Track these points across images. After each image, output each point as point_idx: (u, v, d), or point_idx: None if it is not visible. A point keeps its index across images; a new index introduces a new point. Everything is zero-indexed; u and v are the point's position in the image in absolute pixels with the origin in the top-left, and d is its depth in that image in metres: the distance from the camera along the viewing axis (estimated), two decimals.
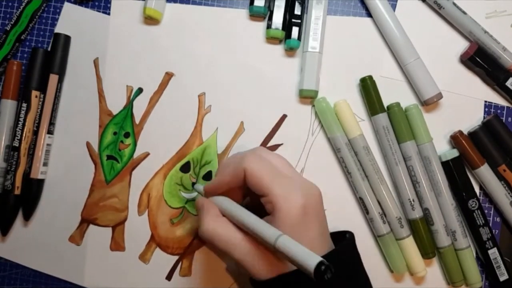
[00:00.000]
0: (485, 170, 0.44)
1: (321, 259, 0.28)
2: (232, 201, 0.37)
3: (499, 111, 0.47)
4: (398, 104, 0.44)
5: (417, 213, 0.44)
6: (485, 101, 0.46)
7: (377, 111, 0.44)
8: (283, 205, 0.34)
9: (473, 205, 0.44)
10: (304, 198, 0.34)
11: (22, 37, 0.44)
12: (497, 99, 0.47)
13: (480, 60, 0.45)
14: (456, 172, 0.44)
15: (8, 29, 0.44)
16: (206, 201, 0.38)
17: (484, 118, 0.46)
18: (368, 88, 0.44)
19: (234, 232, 0.35)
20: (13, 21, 0.44)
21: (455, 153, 0.44)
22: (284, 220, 0.33)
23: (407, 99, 0.45)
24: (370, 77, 0.44)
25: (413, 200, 0.44)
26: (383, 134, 0.44)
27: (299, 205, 0.34)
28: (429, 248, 0.44)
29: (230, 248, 0.35)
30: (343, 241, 0.37)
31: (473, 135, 0.45)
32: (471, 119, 0.46)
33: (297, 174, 0.38)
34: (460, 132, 0.45)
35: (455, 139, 0.45)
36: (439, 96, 0.44)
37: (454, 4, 0.45)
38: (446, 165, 0.44)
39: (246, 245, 0.34)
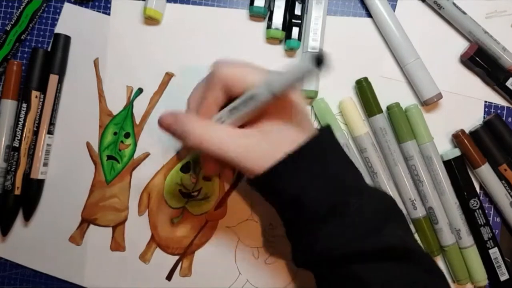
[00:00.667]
0: (486, 170, 0.44)
1: (315, 54, 0.28)
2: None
3: (499, 111, 0.47)
4: (398, 104, 0.44)
5: (419, 212, 0.44)
6: (485, 101, 0.46)
7: (374, 112, 0.44)
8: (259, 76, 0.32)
9: (474, 205, 0.44)
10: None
11: (22, 37, 0.44)
12: (497, 99, 0.47)
13: (480, 60, 0.45)
14: (457, 171, 0.44)
15: (8, 29, 0.44)
16: (186, 113, 0.36)
17: (484, 118, 0.46)
18: (364, 90, 0.44)
19: (224, 130, 0.33)
20: (13, 21, 0.44)
21: (457, 152, 0.44)
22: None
23: (406, 99, 0.45)
24: (366, 79, 0.44)
25: (415, 200, 0.44)
26: (380, 135, 0.44)
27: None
28: (433, 246, 0.44)
29: (223, 148, 0.33)
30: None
31: (474, 134, 0.45)
32: (471, 119, 0.46)
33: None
34: (462, 131, 0.45)
35: (457, 138, 0.45)
36: (439, 96, 0.44)
37: (454, 4, 0.45)
38: (448, 164, 0.44)
39: (238, 140, 0.33)
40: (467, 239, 0.44)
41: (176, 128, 0.34)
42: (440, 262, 0.46)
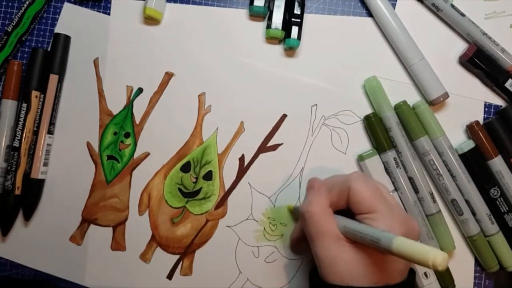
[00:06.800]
0: (498, 162, 0.45)
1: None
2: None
3: None
4: (405, 102, 0.44)
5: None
6: (485, 102, 0.47)
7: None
8: (386, 222, 0.34)
9: (495, 194, 0.45)
10: (404, 229, 0.35)
11: (23, 39, 0.44)
12: (497, 100, 0.47)
13: (479, 61, 0.45)
14: (474, 162, 0.44)
15: (9, 30, 0.43)
16: (322, 185, 0.39)
17: (484, 119, 0.46)
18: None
19: (335, 228, 0.36)
20: (15, 22, 0.43)
21: (471, 144, 0.44)
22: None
23: (408, 100, 0.45)
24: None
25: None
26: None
27: (399, 232, 0.34)
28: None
29: (320, 237, 0.36)
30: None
31: (488, 126, 0.45)
32: (471, 120, 0.46)
33: (397, 204, 0.38)
34: (477, 122, 0.45)
35: (471, 129, 0.45)
36: (445, 96, 0.44)
37: (452, 6, 0.45)
38: (463, 157, 0.45)
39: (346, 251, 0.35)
40: (492, 227, 0.44)
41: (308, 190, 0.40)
42: (468, 252, 0.46)
